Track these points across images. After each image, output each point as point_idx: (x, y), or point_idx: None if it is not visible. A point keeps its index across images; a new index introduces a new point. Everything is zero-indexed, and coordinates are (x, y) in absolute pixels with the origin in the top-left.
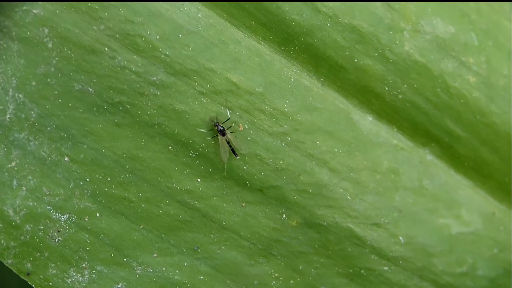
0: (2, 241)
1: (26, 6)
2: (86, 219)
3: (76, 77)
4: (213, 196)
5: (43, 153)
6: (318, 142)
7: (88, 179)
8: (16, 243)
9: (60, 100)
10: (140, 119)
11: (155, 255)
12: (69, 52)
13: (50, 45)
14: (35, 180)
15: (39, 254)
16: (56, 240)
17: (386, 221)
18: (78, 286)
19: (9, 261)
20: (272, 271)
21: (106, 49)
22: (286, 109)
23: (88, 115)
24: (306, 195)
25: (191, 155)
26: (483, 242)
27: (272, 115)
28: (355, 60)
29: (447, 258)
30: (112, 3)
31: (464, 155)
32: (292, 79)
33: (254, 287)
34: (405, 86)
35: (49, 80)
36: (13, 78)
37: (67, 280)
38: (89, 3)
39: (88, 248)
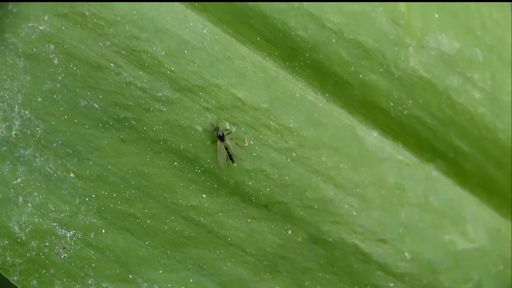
0: (8, 258)
1: (32, 23)
2: (92, 236)
3: (82, 93)
4: (218, 212)
5: (49, 170)
6: (323, 158)
7: (93, 195)
8: (21, 260)
9: (66, 116)
10: (146, 135)
11: (160, 271)
12: (75, 68)
13: (56, 62)
14: (40, 196)
15: (44, 271)
16: (62, 256)
17: (391, 237)
18: None
19: (14, 278)
20: (278, 287)
21: (112, 65)
22: (291, 125)
23: (94, 131)
24: (311, 211)
25: (197, 171)
26: (489, 259)
27: (277, 130)
28: (360, 76)
29: (453, 274)
30: (117, 19)
31: (470, 171)
32: (297, 95)
33: None
34: (410, 101)
35: (55, 96)
36: (19, 95)
37: None
38: (94, 19)
39: (93, 265)
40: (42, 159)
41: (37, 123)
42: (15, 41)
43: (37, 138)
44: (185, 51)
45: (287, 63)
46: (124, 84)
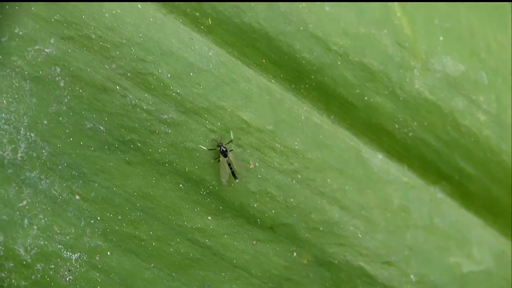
0: (13, 281)
1: (38, 45)
2: (97, 258)
3: (87, 116)
4: (224, 234)
5: (54, 192)
6: (328, 180)
7: (99, 218)
8: (27, 283)
9: (71, 139)
10: (151, 157)
11: None
12: (80, 90)
13: (62, 84)
14: (46, 219)
15: None
16: (67, 279)
17: (397, 259)
18: None
19: None
20: None
21: (117, 87)
22: (296, 147)
23: (99, 153)
24: (317, 233)
25: (202, 193)
26: (495, 281)
27: (282, 152)
28: (366, 98)
29: None
30: (123, 42)
31: (475, 193)
32: (302, 117)
33: None
34: (415, 124)
35: (60, 118)
36: (25, 117)
37: None
38: (101, 42)
39: (98, 287)
40: (47, 181)
41: (43, 145)
42: (21, 63)
43: (42, 161)
44: (191, 74)
45: (293, 85)
46: (130, 107)
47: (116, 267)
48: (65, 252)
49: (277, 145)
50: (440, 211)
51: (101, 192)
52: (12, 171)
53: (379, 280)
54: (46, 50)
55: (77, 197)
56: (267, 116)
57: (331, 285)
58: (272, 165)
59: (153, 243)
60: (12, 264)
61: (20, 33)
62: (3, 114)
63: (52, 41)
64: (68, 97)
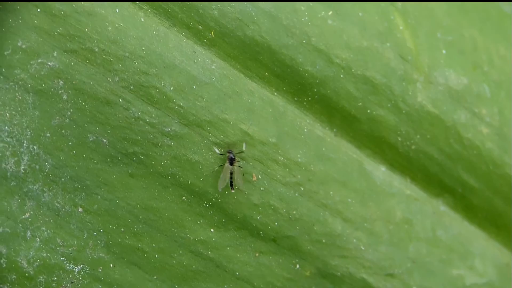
0: None
1: (41, 59)
2: (100, 270)
3: (90, 128)
4: (226, 246)
5: (57, 204)
6: (331, 192)
7: (101, 230)
8: None
9: (74, 151)
10: (154, 170)
11: None
12: (83, 103)
13: (65, 97)
14: (49, 231)
15: None
16: None
17: (400, 271)
18: None
19: None
20: None
21: (120, 100)
22: (299, 159)
23: (102, 166)
24: (319, 245)
25: (205, 205)
26: None
27: (285, 165)
28: (368, 111)
29: None
30: (126, 55)
31: (478, 206)
32: (305, 130)
33: None
34: (418, 136)
35: (63, 131)
36: (28, 130)
37: None
38: (103, 55)
39: None
40: (50, 194)
41: (46, 158)
42: (24, 77)
43: (45, 173)
44: (194, 86)
45: (295, 98)
46: (133, 119)
47: (118, 279)
48: (67, 264)
49: (280, 157)
50: (443, 223)
51: (104, 205)
52: (15, 183)
53: None
54: (49, 63)
55: (80, 209)
56: (270, 128)
57: None
58: (275, 178)
59: (156, 255)
60: (15, 276)
61: (23, 46)
62: (6, 127)
63: (55, 54)
64: (71, 110)
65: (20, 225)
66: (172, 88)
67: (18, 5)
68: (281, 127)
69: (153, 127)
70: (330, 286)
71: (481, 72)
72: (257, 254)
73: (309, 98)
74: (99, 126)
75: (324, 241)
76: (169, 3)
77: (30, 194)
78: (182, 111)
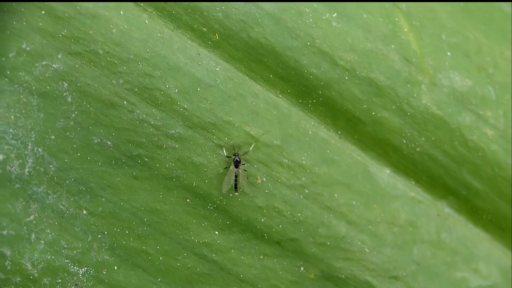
0: None
1: (46, 61)
2: (104, 272)
3: (95, 131)
4: (231, 249)
5: (62, 207)
6: (336, 195)
7: (106, 232)
8: None
9: (79, 154)
10: (158, 172)
11: None
12: (88, 106)
13: (69, 99)
14: (53, 233)
15: None
16: None
17: (404, 274)
18: None
19: None
20: None
21: (124, 102)
22: (304, 162)
23: (107, 168)
24: (324, 247)
25: (209, 207)
26: None
27: (290, 167)
28: (373, 113)
29: None
30: (131, 57)
31: (482, 209)
32: (309, 132)
33: None
34: (423, 139)
35: (68, 133)
36: (32, 132)
37: None
38: (108, 58)
39: None
40: (55, 196)
41: (50, 160)
42: (28, 79)
43: (50, 176)
44: (198, 89)
45: (300, 101)
46: (137, 122)
47: (123, 282)
48: (72, 266)
49: (284, 160)
50: (447, 226)
51: (109, 207)
52: (19, 186)
53: None
54: (54, 66)
55: (85, 212)
56: (275, 131)
57: None
58: (279, 180)
59: (160, 258)
60: (19, 279)
61: (28, 48)
62: (11, 129)
63: (59, 56)
64: (76, 112)
65: (25, 227)
66: (176, 91)
67: (23, 7)
68: (285, 129)
69: (158, 130)
70: None
71: (485, 74)
72: (261, 257)
73: (314, 100)
74: (104, 129)
75: (328, 243)
76: (173, 5)
77: (34, 196)
78: (186, 114)
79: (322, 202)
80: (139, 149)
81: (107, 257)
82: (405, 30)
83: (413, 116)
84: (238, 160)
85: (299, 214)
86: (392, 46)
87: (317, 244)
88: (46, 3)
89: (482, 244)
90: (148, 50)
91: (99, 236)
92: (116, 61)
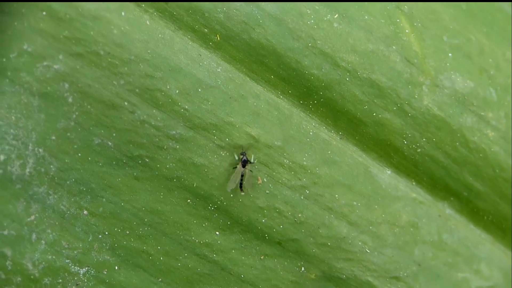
0: None
1: (47, 62)
2: (105, 272)
3: (95, 131)
4: (231, 249)
5: (62, 207)
6: (337, 196)
7: (107, 232)
8: None
9: (79, 154)
10: (159, 173)
11: None
12: (89, 106)
13: (70, 100)
14: (54, 233)
15: None
16: None
17: (405, 274)
18: None
19: None
20: None
21: (125, 103)
22: (305, 163)
23: (108, 169)
24: (325, 248)
25: (210, 208)
26: None
27: (291, 168)
28: (374, 114)
29: None
30: (132, 58)
31: (483, 210)
32: (311, 133)
33: None
34: (424, 140)
35: (68, 134)
36: (33, 133)
37: None
38: (109, 59)
39: None
40: (55, 196)
41: (51, 161)
42: (29, 80)
43: (50, 176)
44: (199, 90)
45: (301, 101)
46: (138, 122)
47: (124, 282)
48: (73, 266)
49: (285, 160)
50: (448, 227)
51: (109, 207)
52: (20, 186)
53: None
54: (55, 67)
55: (85, 212)
56: (276, 132)
57: None
58: (280, 181)
59: (161, 258)
60: (20, 279)
61: (29, 49)
62: (12, 130)
63: (60, 57)
64: (77, 113)
65: (26, 227)
66: (177, 91)
67: (24, 8)
68: (286, 130)
69: (159, 130)
70: None
71: (487, 76)
72: (262, 257)
73: (315, 101)
74: (105, 129)
75: (329, 244)
76: (175, 6)
77: (35, 197)
78: (187, 114)
79: (323, 203)
80: (140, 149)
81: (108, 257)
82: (407, 31)
83: (414, 117)
84: (246, 160)
85: (300, 215)
86: (394, 47)
87: (318, 245)
88: (47, 4)
89: (483, 245)
90: (149, 51)
91: (100, 236)
92: (117, 62)
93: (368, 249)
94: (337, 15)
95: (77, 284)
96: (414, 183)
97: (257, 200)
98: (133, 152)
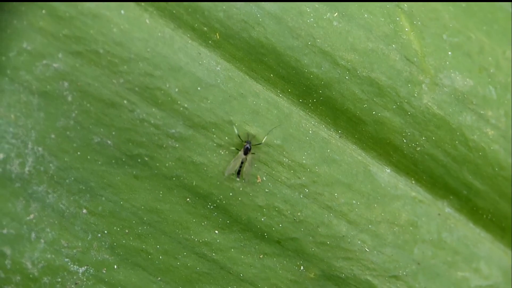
0: None
1: (46, 60)
2: (104, 271)
3: (95, 130)
4: (231, 248)
5: (62, 206)
6: (336, 194)
7: (106, 231)
8: None
9: (79, 153)
10: (159, 172)
11: None
12: (88, 105)
13: (69, 99)
14: (53, 232)
15: None
16: None
17: (404, 273)
18: None
19: None
20: None
21: (125, 102)
22: (304, 161)
23: (107, 168)
24: (324, 247)
25: (209, 207)
26: None
27: (290, 167)
28: (374, 113)
29: None
30: (131, 57)
31: (483, 208)
32: (310, 131)
33: None
34: (424, 138)
35: (68, 133)
36: (32, 132)
37: None
38: (108, 57)
39: None
40: (55, 195)
41: (50, 159)
42: (29, 78)
43: (50, 175)
44: (199, 88)
45: (300, 100)
46: (138, 121)
47: (123, 281)
48: (72, 265)
49: (284, 159)
50: (448, 225)
51: (109, 206)
52: (19, 185)
53: None
54: (54, 65)
55: (85, 211)
56: (275, 130)
57: None
58: (279, 180)
59: (160, 257)
60: (19, 278)
61: (28, 48)
62: (11, 129)
63: (60, 56)
64: (76, 112)
65: (25, 226)
66: (177, 90)
67: (23, 7)
68: (286, 129)
69: (158, 129)
70: (335, 287)
71: (487, 74)
72: (261, 256)
73: (314, 100)
74: (104, 128)
75: (328, 243)
76: (174, 5)
77: (34, 195)
78: (187, 113)
79: (322, 202)
80: (139, 148)
81: (107, 256)
82: (407, 29)
83: (414, 116)
84: (249, 148)
85: (299, 214)
86: (393, 45)
87: (317, 244)
88: (47, 2)
89: (483, 244)
90: (148, 50)
91: (99, 235)
92: (116, 61)
93: (368, 248)
94: (336, 13)
95: (76, 283)
96: (413, 182)
97: (256, 198)
98: (133, 150)
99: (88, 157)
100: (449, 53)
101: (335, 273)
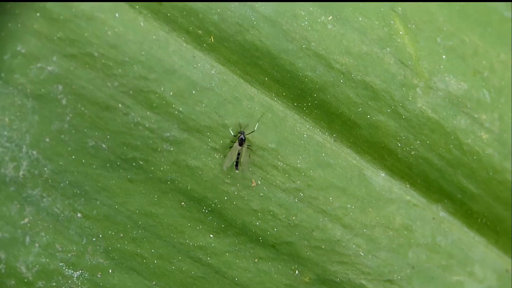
0: None
1: (40, 63)
2: (99, 276)
3: (89, 134)
4: (225, 252)
5: (56, 210)
6: (331, 198)
7: (101, 235)
8: None
9: (73, 157)
10: (153, 175)
11: None
12: (83, 108)
13: (64, 102)
14: (48, 236)
15: None
16: None
17: (399, 277)
18: None
19: None
20: None
21: (120, 105)
22: (299, 165)
23: (102, 171)
24: (319, 251)
25: (204, 211)
26: None
27: (285, 171)
28: (368, 116)
29: None
30: (126, 60)
31: (477, 212)
32: (305, 135)
33: None
34: (418, 142)
35: (62, 136)
36: (27, 135)
37: None
38: (103, 60)
39: None
40: (49, 199)
41: (45, 163)
42: (23, 81)
43: (44, 178)
44: (193, 92)
45: (295, 104)
46: (132, 124)
47: (117, 285)
48: (66, 269)
49: (279, 163)
50: (442, 229)
51: (103, 210)
52: (14, 189)
53: None
54: (49, 68)
55: (79, 215)
56: (270, 134)
57: None
58: (274, 183)
59: (155, 261)
60: (14, 282)
61: (23, 51)
62: (5, 132)
63: (54, 59)
64: (70, 115)
65: (19, 230)
66: (171, 93)
67: (18, 9)
68: (280, 132)
69: (153, 133)
70: None
71: (481, 78)
72: (256, 260)
73: (309, 104)
74: (99, 131)
75: (323, 247)
76: (169, 8)
77: (29, 199)
78: (181, 116)
79: (317, 206)
80: (134, 152)
81: (102, 260)
82: (401, 33)
83: (408, 120)
84: (243, 138)
85: (294, 218)
86: (388, 49)
87: (312, 248)
88: (41, 5)
89: (477, 248)
90: (143, 53)
91: (94, 239)
92: (111, 64)
93: (362, 252)
94: (331, 16)
95: (71, 287)
96: (408, 186)
97: (251, 202)
98: (127, 154)
99: (83, 160)
100: (443, 56)
101: (330, 277)
